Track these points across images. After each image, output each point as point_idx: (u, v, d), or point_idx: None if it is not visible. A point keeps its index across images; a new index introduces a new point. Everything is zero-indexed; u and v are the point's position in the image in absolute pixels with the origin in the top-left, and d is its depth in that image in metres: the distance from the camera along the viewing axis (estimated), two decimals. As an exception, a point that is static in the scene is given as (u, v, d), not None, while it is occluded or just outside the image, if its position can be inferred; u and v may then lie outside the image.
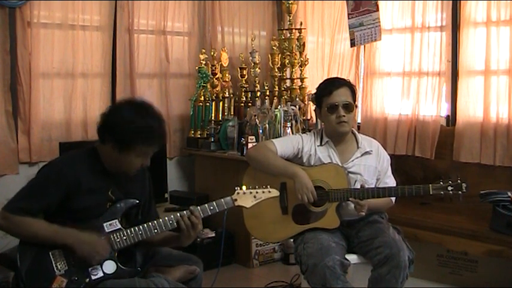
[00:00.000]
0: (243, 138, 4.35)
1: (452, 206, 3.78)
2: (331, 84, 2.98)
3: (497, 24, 3.98)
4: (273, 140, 3.04)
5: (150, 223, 2.41)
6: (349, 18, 4.75)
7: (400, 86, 4.55)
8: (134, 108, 2.36)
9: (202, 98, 4.79)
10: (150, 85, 4.78)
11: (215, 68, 4.79)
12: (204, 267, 2.64)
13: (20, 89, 4.05)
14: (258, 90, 4.89)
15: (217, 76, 4.82)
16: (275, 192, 2.60)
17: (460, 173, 2.93)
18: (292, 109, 4.48)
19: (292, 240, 3.03)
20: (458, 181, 2.76)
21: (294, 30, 5.06)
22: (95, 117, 4.24)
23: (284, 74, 5.07)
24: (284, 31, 5.19)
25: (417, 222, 3.68)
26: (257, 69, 4.91)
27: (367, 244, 2.81)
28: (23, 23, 3.99)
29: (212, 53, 4.81)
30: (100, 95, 4.44)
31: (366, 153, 3.00)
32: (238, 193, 2.54)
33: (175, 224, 2.42)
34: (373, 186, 2.96)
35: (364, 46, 4.76)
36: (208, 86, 4.80)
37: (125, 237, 2.38)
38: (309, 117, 4.88)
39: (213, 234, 4.34)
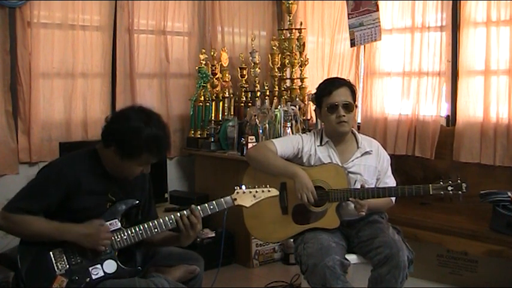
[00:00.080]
0: (243, 138, 4.35)
1: (452, 206, 3.79)
2: (331, 84, 2.98)
3: (497, 24, 3.98)
4: (273, 140, 3.04)
5: (150, 223, 2.41)
6: (349, 18, 4.75)
7: (400, 86, 4.55)
8: (141, 117, 2.35)
9: (202, 98, 4.79)
10: (150, 85, 4.78)
11: (215, 68, 4.79)
12: (204, 267, 2.64)
13: (20, 89, 4.05)
14: (258, 90, 4.89)
15: (217, 76, 4.82)
16: (275, 192, 2.61)
17: (460, 173, 2.93)
18: (292, 109, 4.48)
19: (292, 240, 3.03)
20: (458, 181, 2.77)
21: (294, 30, 5.06)
22: (95, 117, 4.34)
23: (284, 74, 5.07)
24: (284, 31, 5.20)
25: (417, 222, 3.68)
26: (257, 69, 4.91)
27: (367, 244, 2.81)
28: (23, 23, 4.00)
29: (212, 53, 4.81)
30: (100, 95, 4.44)
31: (366, 153, 3.00)
32: (238, 192, 2.54)
33: (175, 223, 2.42)
34: (373, 186, 2.96)
35: (364, 46, 4.77)
36: (208, 86, 4.80)
37: (125, 237, 2.38)
38: (309, 117, 4.88)
39: (213, 234, 4.33)
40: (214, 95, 4.82)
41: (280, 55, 5.05)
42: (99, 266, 2.34)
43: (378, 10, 4.57)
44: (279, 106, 4.52)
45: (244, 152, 4.11)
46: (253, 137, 4.28)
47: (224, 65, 4.92)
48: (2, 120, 3.97)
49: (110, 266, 2.35)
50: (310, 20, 5.23)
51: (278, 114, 4.36)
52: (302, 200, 2.82)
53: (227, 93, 4.85)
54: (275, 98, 4.88)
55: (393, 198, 2.99)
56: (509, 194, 3.35)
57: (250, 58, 4.93)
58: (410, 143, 4.43)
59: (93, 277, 2.32)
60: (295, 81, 5.03)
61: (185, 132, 4.94)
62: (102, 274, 2.34)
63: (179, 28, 4.91)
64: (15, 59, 4.00)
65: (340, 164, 2.94)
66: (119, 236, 2.38)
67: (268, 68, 5.19)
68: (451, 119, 4.33)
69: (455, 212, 3.74)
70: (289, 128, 4.35)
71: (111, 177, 2.43)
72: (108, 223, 2.38)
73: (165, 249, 2.60)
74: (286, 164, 2.93)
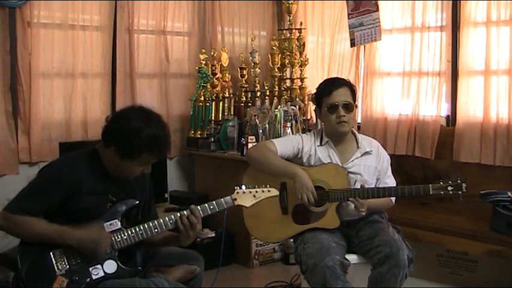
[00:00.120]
0: (243, 138, 4.35)
1: (452, 206, 3.79)
2: (331, 84, 2.98)
3: (497, 24, 3.98)
4: (273, 140, 3.04)
5: (150, 223, 2.41)
6: (349, 18, 4.75)
7: (400, 86, 4.55)
8: (141, 117, 2.35)
9: (202, 98, 4.79)
10: (150, 85, 4.78)
11: (215, 68, 4.79)
12: (204, 267, 2.64)
13: (20, 89, 4.05)
14: (258, 90, 4.89)
15: (217, 76, 4.82)
16: (275, 192, 2.61)
17: (460, 173, 2.93)
18: (292, 109, 4.48)
19: (292, 240, 3.03)
20: (458, 181, 2.77)
21: (294, 30, 5.06)
22: (95, 117, 4.34)
23: (284, 74, 5.07)
24: (284, 31, 5.19)
25: (417, 222, 3.68)
26: (257, 69, 4.91)
27: (367, 243, 2.81)
28: (23, 23, 4.00)
29: (212, 53, 4.81)
30: (100, 95, 4.44)
31: (366, 153, 3.00)
32: (237, 192, 2.55)
33: (175, 223, 2.42)
34: (373, 186, 2.96)
35: (364, 46, 4.77)
36: (208, 86, 4.80)
37: (125, 237, 2.38)
38: (309, 117, 4.88)
39: (213, 234, 4.33)
40: (214, 95, 4.82)
41: (280, 55, 5.05)
42: (99, 266, 2.34)
43: (378, 10, 4.57)
44: (279, 106, 4.52)
45: (244, 152, 4.11)
46: (253, 137, 4.28)
47: (224, 65, 4.92)
48: (2, 120, 3.97)
49: (110, 266, 2.35)
50: (310, 20, 5.23)
51: (278, 114, 4.36)
52: (302, 200, 2.82)
53: (227, 93, 4.85)
54: (275, 98, 4.88)
55: (393, 198, 2.99)
56: (509, 194, 3.35)
57: (250, 58, 4.93)
58: (410, 143, 4.43)
59: (94, 277, 2.32)
60: (295, 81, 5.03)
61: (185, 132, 4.94)
62: (103, 274, 2.34)
63: (179, 28, 4.91)
64: (15, 59, 3.99)
65: (340, 164, 2.94)
66: (119, 236, 2.38)
67: (268, 68, 5.19)
68: (451, 119, 4.33)
69: (455, 212, 3.74)
70: (289, 128, 4.35)
71: (112, 177, 2.43)
72: (108, 223, 2.38)
73: (165, 249, 2.60)
74: (286, 164, 2.93)
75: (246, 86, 4.96)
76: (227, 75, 4.92)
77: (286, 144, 3.00)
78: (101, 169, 2.41)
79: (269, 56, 5.13)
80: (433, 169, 4.28)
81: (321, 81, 3.10)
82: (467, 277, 3.73)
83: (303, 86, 5.00)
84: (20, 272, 2.28)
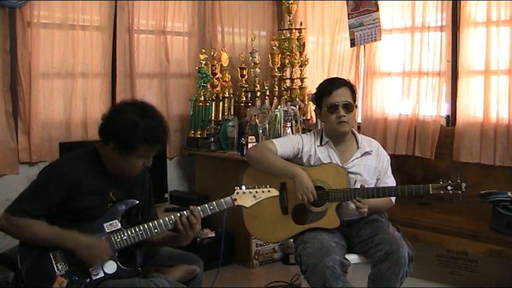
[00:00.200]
0: (243, 138, 4.35)
1: (452, 206, 3.79)
2: (331, 84, 2.98)
3: (497, 24, 3.98)
4: (273, 140, 3.04)
5: (150, 223, 2.41)
6: (349, 18, 4.75)
7: (400, 86, 4.55)
8: (135, 110, 2.36)
9: (202, 98, 4.79)
10: (150, 85, 4.78)
11: (215, 68, 4.79)
12: (204, 267, 2.64)
13: (20, 89, 4.04)
14: (258, 90, 4.89)
15: (217, 76, 4.82)
16: (275, 192, 2.60)
17: (460, 173, 2.92)
18: (292, 109, 4.48)
19: (292, 240, 3.04)
20: (458, 181, 2.77)
21: (294, 30, 5.06)
22: (95, 117, 4.34)
23: (284, 74, 5.07)
24: (284, 31, 5.19)
25: (417, 222, 3.68)
26: (257, 69, 4.91)
27: (367, 242, 2.82)
28: (23, 23, 3.99)
29: (212, 53, 4.81)
30: (100, 95, 4.44)
31: (366, 153, 3.00)
32: (237, 193, 2.54)
33: (174, 224, 2.42)
34: (373, 186, 2.96)
35: (364, 46, 4.77)
36: (208, 86, 4.80)
37: (125, 238, 2.38)
38: (309, 117, 4.88)
39: (213, 234, 4.33)
40: (214, 95, 4.82)
41: (280, 55, 5.05)
42: (99, 266, 2.33)
43: (378, 10, 4.57)
44: (279, 106, 4.52)
45: (244, 152, 4.11)
46: (253, 137, 4.28)
47: (224, 65, 4.92)
48: (2, 120, 3.96)
49: (110, 266, 2.35)
50: (310, 20, 5.23)
51: (278, 114, 4.36)
52: (302, 200, 2.82)
53: (227, 93, 4.85)
54: (275, 98, 4.88)
55: (393, 198, 2.99)
56: (509, 194, 3.35)
57: (250, 58, 4.93)
58: (410, 143, 4.43)
59: (93, 278, 2.32)
60: (295, 81, 5.02)
61: (185, 132, 4.94)
62: (103, 274, 2.33)
63: (179, 28, 4.91)
64: (15, 59, 3.99)
65: (340, 164, 2.94)
66: (119, 237, 2.38)
67: (268, 68, 5.19)
68: (451, 119, 4.33)
69: (455, 212, 3.74)
70: (289, 128, 4.35)
71: (112, 176, 2.43)
72: (108, 223, 2.38)
73: (165, 249, 2.61)
74: (286, 164, 2.93)
75: (246, 86, 4.96)
76: (227, 75, 4.92)
77: (286, 144, 3.00)
78: (100, 167, 2.41)
79: (269, 56, 5.13)
80: (433, 169, 4.28)
81: (321, 81, 3.10)
82: (467, 277, 3.73)
83: (303, 86, 5.00)
84: (20, 272, 2.28)
